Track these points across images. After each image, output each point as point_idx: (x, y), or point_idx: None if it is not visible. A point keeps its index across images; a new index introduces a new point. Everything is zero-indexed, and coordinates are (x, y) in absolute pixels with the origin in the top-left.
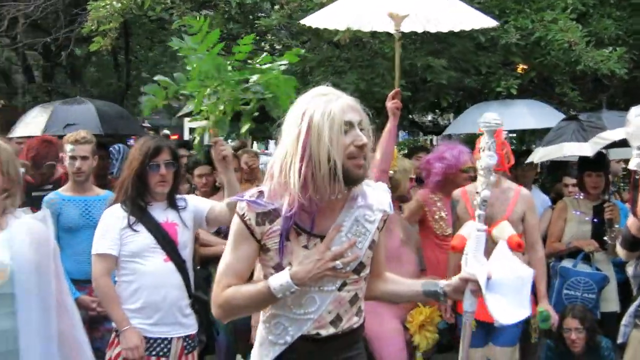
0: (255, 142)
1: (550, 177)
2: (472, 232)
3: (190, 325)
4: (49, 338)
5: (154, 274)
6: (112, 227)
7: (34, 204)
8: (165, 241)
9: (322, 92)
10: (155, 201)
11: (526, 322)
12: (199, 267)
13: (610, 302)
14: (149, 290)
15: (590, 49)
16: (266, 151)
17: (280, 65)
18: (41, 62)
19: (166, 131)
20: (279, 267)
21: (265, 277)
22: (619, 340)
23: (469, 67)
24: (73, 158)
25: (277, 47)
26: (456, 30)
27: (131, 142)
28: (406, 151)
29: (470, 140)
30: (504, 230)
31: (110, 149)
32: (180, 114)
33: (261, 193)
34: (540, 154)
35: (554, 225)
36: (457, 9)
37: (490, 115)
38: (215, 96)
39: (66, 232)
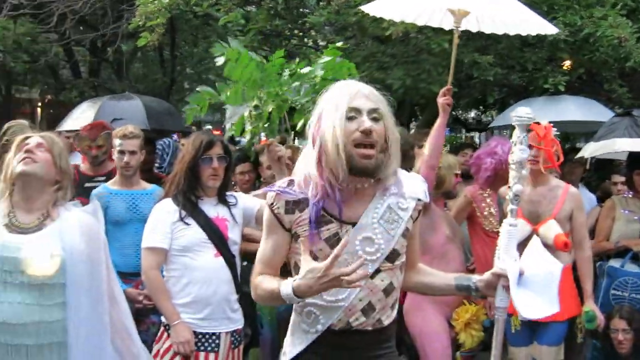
0: (296, 138)
1: (597, 175)
2: (504, 227)
3: (237, 320)
4: (100, 329)
5: (205, 269)
6: (163, 220)
7: (86, 195)
8: (216, 236)
9: (344, 83)
10: (207, 196)
11: (572, 322)
12: (245, 263)
13: None
14: (199, 285)
15: None
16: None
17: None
18: (88, 58)
19: (209, 126)
20: (311, 254)
21: (296, 265)
22: None
23: (514, 63)
24: (121, 152)
25: (321, 43)
26: (511, 34)
27: (174, 138)
28: (448, 148)
29: None
30: (551, 229)
31: (159, 143)
32: (227, 125)
33: (291, 182)
34: (591, 149)
35: (602, 223)
36: (518, 11)
37: (523, 109)
38: (259, 110)
39: (113, 226)
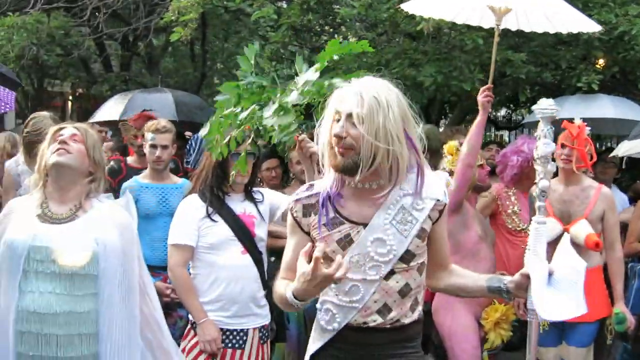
0: None
1: (628, 176)
2: (532, 225)
3: (265, 316)
4: (130, 321)
5: (232, 266)
6: (190, 217)
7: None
8: (243, 233)
9: (351, 83)
10: (234, 192)
11: (601, 323)
12: (273, 259)
13: None
14: (227, 283)
15: None
16: None
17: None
18: (119, 52)
19: None
20: (326, 256)
21: None
22: None
23: (548, 61)
24: (153, 146)
25: (352, 39)
26: (551, 32)
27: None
28: None
29: None
30: (582, 229)
31: (190, 139)
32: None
33: (311, 186)
34: (624, 148)
35: (634, 224)
36: (559, 8)
37: (546, 101)
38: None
39: (143, 219)
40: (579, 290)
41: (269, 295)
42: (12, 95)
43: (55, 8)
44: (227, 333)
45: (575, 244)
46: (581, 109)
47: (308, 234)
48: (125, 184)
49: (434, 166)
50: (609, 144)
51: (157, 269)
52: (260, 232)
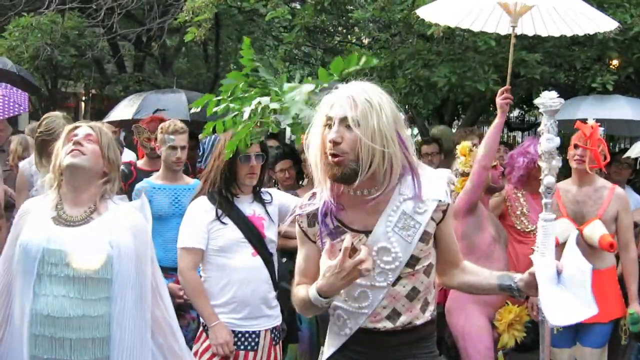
0: None
1: None
2: (539, 222)
3: (276, 317)
4: (142, 325)
5: (243, 269)
6: (199, 220)
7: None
8: (253, 235)
9: (340, 88)
10: (242, 193)
11: (615, 324)
12: (284, 259)
13: None
14: (238, 285)
15: None
16: None
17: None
18: (133, 52)
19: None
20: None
21: None
22: None
23: (562, 62)
24: (173, 148)
25: (365, 40)
26: (568, 35)
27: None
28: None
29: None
30: (596, 230)
31: (202, 140)
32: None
33: (314, 195)
34: (638, 149)
35: None
36: (576, 6)
37: (548, 94)
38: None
39: (156, 220)
40: (588, 291)
41: (279, 296)
42: (26, 97)
43: (69, 8)
44: (239, 335)
45: (589, 244)
46: (598, 110)
47: (315, 242)
48: (137, 185)
49: (448, 167)
50: (622, 145)
51: (170, 270)
52: (270, 233)
